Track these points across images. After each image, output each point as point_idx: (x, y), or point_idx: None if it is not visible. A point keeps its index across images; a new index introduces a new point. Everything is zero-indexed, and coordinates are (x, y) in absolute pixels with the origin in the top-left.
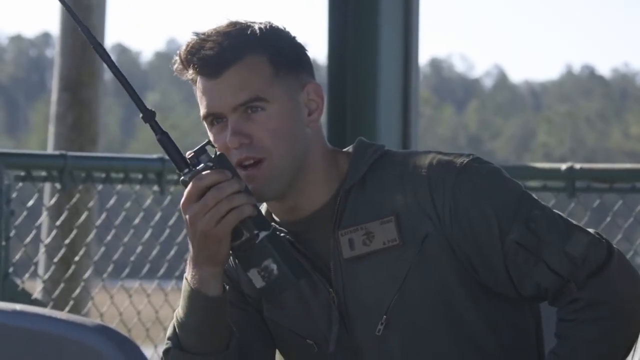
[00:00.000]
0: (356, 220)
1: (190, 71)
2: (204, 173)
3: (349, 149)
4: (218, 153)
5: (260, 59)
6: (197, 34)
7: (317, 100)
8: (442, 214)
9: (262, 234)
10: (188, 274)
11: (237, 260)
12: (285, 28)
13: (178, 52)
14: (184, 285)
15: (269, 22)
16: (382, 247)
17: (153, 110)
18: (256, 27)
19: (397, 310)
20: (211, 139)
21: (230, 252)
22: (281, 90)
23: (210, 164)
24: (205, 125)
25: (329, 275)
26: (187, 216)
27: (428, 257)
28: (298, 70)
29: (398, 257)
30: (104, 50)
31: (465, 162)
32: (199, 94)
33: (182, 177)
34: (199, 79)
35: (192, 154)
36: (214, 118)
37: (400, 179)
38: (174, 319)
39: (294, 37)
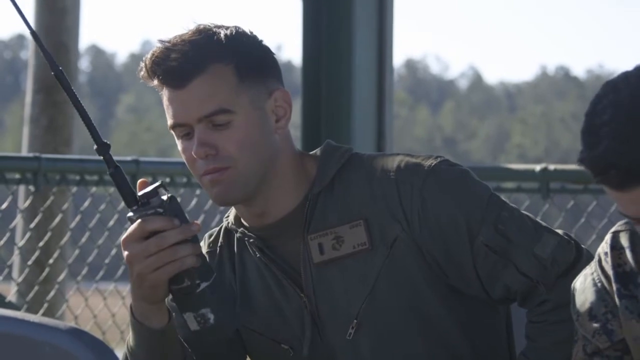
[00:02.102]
0: (325, 225)
1: (156, 81)
2: (151, 216)
3: (317, 152)
4: (169, 196)
5: (226, 69)
6: (162, 42)
7: (285, 107)
8: (410, 217)
9: (204, 285)
10: (132, 303)
11: (174, 301)
12: (252, 32)
13: (144, 59)
14: (130, 315)
15: (236, 27)
16: (351, 251)
17: (108, 143)
18: (222, 34)
19: (368, 314)
20: (179, 147)
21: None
22: (247, 99)
23: (161, 210)
24: (173, 134)
25: (299, 281)
26: (125, 253)
27: (397, 260)
28: (265, 78)
29: (368, 261)
30: (65, 77)
31: (433, 164)
32: (165, 102)
33: (129, 214)
34: (164, 88)
35: (143, 194)
36: (180, 128)
37: (369, 182)
38: (126, 347)
39: (261, 42)
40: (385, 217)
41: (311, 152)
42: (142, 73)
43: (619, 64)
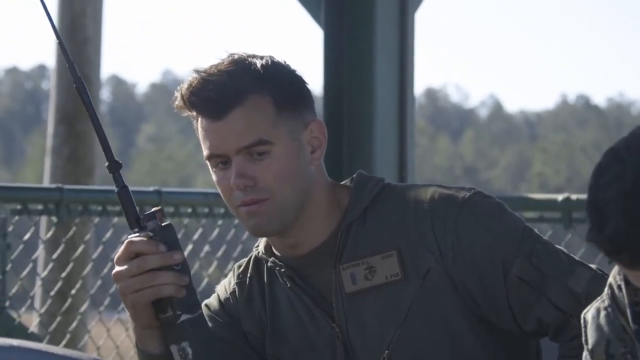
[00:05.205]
0: (358, 255)
1: (194, 112)
2: (137, 238)
3: (348, 182)
4: (165, 223)
5: (264, 100)
6: (198, 72)
7: (320, 138)
8: (444, 248)
9: (184, 317)
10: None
11: (163, 331)
12: (285, 62)
13: (179, 89)
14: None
15: (270, 57)
16: (384, 281)
17: (120, 162)
18: (258, 64)
19: (399, 345)
20: (214, 178)
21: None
22: (285, 131)
23: (151, 234)
24: (209, 165)
25: (330, 311)
26: (114, 270)
27: (430, 291)
28: (301, 109)
29: (400, 292)
30: (85, 89)
31: (467, 196)
32: (201, 133)
33: (129, 235)
34: (200, 118)
35: (144, 216)
36: (217, 159)
37: (402, 213)
38: None
39: (295, 71)
40: (418, 247)
41: (342, 182)
42: (177, 103)
43: (639, 92)
